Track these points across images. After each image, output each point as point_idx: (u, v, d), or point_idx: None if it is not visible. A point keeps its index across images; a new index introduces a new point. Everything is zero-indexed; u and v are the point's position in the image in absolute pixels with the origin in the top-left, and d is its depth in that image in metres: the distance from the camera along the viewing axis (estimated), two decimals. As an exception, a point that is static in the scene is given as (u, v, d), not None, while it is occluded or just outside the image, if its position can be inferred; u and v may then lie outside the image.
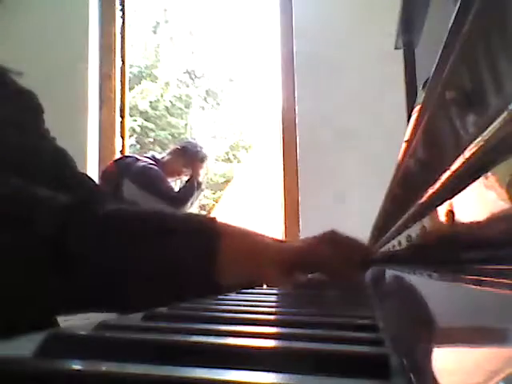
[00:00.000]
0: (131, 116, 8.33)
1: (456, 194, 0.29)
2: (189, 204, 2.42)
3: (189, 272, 0.52)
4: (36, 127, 0.75)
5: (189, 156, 2.48)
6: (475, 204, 0.26)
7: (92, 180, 0.75)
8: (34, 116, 0.76)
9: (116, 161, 2.42)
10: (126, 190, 2.27)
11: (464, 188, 0.27)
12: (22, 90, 0.76)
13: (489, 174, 0.22)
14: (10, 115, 0.70)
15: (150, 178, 2.33)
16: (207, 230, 0.53)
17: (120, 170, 2.33)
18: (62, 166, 0.73)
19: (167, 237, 0.51)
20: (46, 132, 0.76)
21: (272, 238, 0.60)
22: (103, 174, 2.39)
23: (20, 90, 0.76)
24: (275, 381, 0.17)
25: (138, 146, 8.85)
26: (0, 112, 0.69)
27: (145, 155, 2.50)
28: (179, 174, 2.52)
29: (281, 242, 0.63)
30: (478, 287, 0.24)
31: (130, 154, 2.56)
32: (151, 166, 2.39)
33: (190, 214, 0.58)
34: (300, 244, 0.60)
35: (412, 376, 0.17)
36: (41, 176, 0.69)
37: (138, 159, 2.41)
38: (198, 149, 2.55)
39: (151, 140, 9.35)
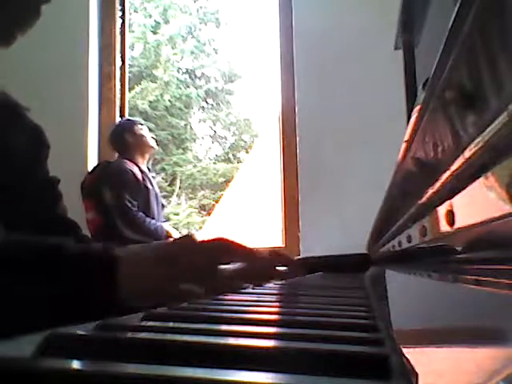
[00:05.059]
0: (131, 116, 8.32)
1: (456, 193, 0.29)
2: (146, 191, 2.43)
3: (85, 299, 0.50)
4: (43, 160, 0.80)
5: (125, 129, 2.50)
6: (475, 204, 0.26)
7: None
8: (43, 150, 0.79)
9: (94, 169, 2.46)
10: (107, 197, 2.32)
11: (464, 188, 0.27)
12: (33, 125, 0.79)
13: (489, 174, 0.22)
14: (25, 147, 0.73)
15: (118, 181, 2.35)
16: (102, 262, 0.52)
17: (98, 179, 2.37)
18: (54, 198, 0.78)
19: (60, 269, 0.50)
20: (47, 166, 0.80)
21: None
22: (83, 185, 2.42)
23: (31, 124, 0.78)
24: (275, 381, 0.17)
25: (138, 146, 8.84)
26: (16, 143, 0.73)
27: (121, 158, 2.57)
28: (141, 147, 2.50)
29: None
30: (478, 287, 0.24)
31: (102, 160, 2.57)
32: (119, 166, 2.41)
33: (88, 247, 0.56)
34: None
35: (412, 376, 0.17)
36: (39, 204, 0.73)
37: (110, 162, 2.46)
38: (124, 120, 2.65)
39: (151, 140, 9.34)
